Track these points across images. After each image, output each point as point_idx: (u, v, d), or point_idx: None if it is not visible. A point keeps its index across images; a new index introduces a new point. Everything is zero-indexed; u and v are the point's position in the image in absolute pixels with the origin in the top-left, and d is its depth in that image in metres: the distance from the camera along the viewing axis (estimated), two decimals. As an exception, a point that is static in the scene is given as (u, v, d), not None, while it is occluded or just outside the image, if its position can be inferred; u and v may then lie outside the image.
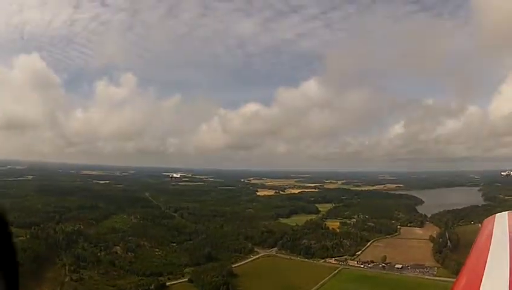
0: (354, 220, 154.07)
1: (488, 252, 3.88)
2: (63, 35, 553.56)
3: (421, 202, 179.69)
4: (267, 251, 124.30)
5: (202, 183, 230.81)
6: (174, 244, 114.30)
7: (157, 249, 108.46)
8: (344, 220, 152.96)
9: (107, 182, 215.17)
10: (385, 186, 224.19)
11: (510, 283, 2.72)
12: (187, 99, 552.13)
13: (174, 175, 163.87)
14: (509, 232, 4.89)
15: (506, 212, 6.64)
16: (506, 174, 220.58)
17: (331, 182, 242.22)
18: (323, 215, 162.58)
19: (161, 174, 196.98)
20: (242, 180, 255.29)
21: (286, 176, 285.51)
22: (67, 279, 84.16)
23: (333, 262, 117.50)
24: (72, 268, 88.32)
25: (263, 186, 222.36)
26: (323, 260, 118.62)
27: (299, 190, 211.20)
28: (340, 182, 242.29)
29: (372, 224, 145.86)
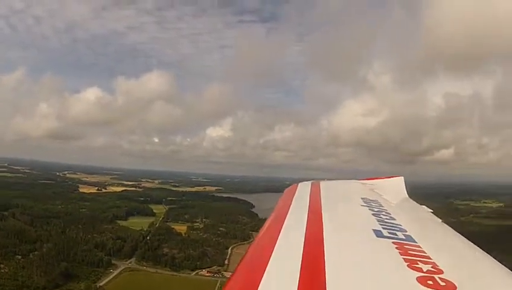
0: (198, 224, 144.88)
1: (286, 218, 3.88)
2: None
3: (252, 206, 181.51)
4: (125, 262, 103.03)
5: (21, 175, 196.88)
6: (19, 256, 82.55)
7: (1, 265, 76.14)
8: (188, 224, 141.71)
9: None
10: (205, 188, 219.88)
11: (304, 247, 2.79)
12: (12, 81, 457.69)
13: None
14: (310, 200, 4.87)
15: (310, 181, 6.58)
16: None
17: (147, 181, 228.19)
18: (163, 217, 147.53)
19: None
20: (57, 173, 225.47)
21: (99, 171, 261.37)
22: None
23: (207, 275, 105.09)
24: None
25: (82, 182, 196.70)
26: (194, 273, 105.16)
27: (121, 188, 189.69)
28: (156, 182, 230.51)
29: (224, 229, 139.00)
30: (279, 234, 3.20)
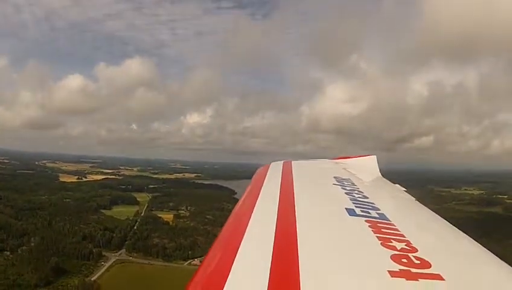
0: (184, 212, 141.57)
1: (258, 198, 3.71)
2: None
3: (234, 192, 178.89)
4: (115, 254, 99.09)
5: (0, 166, 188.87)
6: (8, 252, 77.48)
7: (-9, 262, 71.19)
8: (173, 213, 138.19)
9: None
10: (184, 175, 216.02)
11: (276, 226, 2.76)
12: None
13: None
14: (282, 180, 4.75)
15: (282, 161, 6.43)
16: None
17: (126, 169, 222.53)
18: (147, 206, 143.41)
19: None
20: (36, 163, 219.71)
21: (77, 160, 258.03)
22: None
23: (199, 264, 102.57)
24: None
25: (61, 171, 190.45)
26: (187, 263, 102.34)
27: (101, 177, 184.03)
28: (135, 169, 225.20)
29: (211, 217, 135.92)
30: (251, 215, 3.05)
